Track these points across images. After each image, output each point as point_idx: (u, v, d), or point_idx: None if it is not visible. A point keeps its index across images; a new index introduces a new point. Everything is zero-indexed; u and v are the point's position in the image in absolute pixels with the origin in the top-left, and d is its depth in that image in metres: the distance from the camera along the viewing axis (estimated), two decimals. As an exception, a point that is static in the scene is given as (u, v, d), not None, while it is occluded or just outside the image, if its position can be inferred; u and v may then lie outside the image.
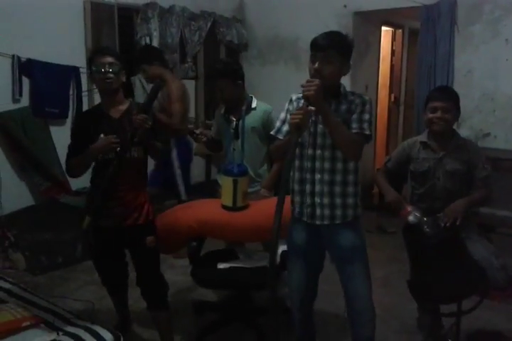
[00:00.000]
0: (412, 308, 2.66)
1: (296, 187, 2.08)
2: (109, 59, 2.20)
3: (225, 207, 2.61)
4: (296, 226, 2.13)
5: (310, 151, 2.02)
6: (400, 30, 6.13)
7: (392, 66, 6.20)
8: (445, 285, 2.04)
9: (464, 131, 2.56)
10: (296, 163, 2.05)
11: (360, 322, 2.13)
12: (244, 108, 2.77)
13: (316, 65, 1.91)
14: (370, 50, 5.41)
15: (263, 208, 2.57)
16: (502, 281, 2.23)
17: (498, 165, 3.91)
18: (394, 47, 6.18)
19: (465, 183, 2.41)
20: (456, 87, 4.56)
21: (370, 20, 5.24)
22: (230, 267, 2.57)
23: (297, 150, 2.01)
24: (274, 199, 2.69)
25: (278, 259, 2.49)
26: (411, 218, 2.10)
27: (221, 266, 2.58)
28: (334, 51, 1.91)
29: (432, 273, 2.05)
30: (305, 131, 1.90)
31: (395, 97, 6.32)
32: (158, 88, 2.32)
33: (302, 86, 1.86)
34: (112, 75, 2.19)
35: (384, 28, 5.77)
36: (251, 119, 2.77)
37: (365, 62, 5.33)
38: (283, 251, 2.53)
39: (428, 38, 4.61)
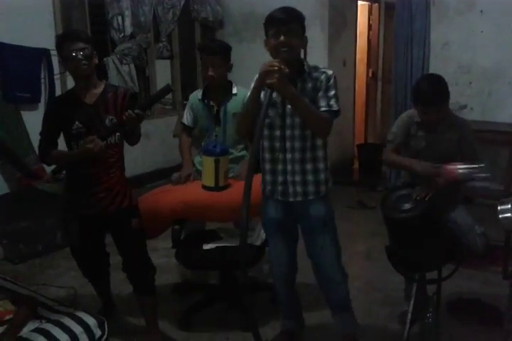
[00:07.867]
0: (394, 281, 2.70)
1: (267, 166, 2.11)
2: (79, 44, 2.12)
3: (206, 187, 2.58)
4: (269, 203, 2.18)
5: (279, 132, 2.04)
6: (376, 5, 6.06)
7: (369, 41, 6.15)
8: (422, 253, 2.10)
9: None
10: (266, 143, 2.08)
11: (331, 287, 2.23)
12: (224, 93, 2.71)
13: (282, 37, 1.92)
14: (347, 25, 5.36)
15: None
16: (482, 247, 2.31)
17: (475, 137, 3.94)
18: (371, 22, 6.12)
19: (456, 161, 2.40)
20: (433, 60, 4.58)
21: (346, -5, 5.18)
22: (216, 247, 2.57)
23: (266, 132, 2.04)
24: (256, 177, 2.71)
25: (263, 236, 2.49)
26: (460, 172, 2.11)
27: (207, 246, 2.57)
28: (296, 24, 1.96)
29: (409, 243, 2.11)
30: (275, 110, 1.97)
31: (372, 72, 6.30)
32: (168, 91, 2.25)
33: (260, 73, 1.82)
34: (84, 61, 2.13)
35: (360, 3, 5.70)
36: (233, 105, 2.70)
37: (342, 38, 5.28)
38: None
39: (404, 12, 4.57)
